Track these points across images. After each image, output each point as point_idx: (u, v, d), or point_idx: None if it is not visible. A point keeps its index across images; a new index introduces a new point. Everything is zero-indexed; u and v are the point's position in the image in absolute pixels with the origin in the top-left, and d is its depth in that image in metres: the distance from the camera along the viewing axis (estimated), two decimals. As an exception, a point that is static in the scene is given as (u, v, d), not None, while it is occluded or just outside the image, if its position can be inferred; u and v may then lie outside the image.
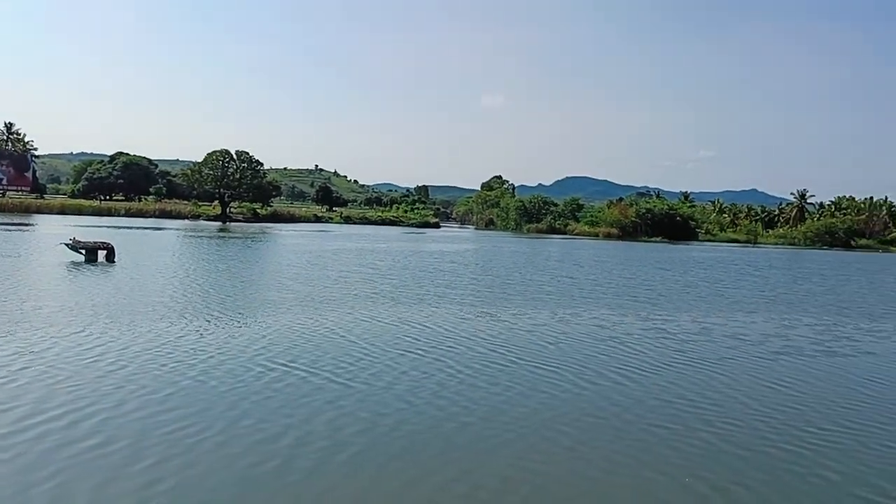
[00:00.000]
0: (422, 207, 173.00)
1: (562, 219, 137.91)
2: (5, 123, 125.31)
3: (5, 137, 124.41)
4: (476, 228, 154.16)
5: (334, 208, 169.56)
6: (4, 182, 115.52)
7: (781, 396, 12.85)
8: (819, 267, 61.84)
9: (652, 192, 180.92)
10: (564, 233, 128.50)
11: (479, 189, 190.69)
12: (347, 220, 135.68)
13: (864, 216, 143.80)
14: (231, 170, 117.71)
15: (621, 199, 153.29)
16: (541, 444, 9.54)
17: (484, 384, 12.53)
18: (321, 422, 9.92)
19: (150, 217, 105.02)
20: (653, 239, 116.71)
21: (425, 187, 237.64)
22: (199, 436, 9.06)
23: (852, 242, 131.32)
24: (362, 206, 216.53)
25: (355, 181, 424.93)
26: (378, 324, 18.66)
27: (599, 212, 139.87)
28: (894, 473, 9.09)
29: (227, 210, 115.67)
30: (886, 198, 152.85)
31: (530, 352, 15.82)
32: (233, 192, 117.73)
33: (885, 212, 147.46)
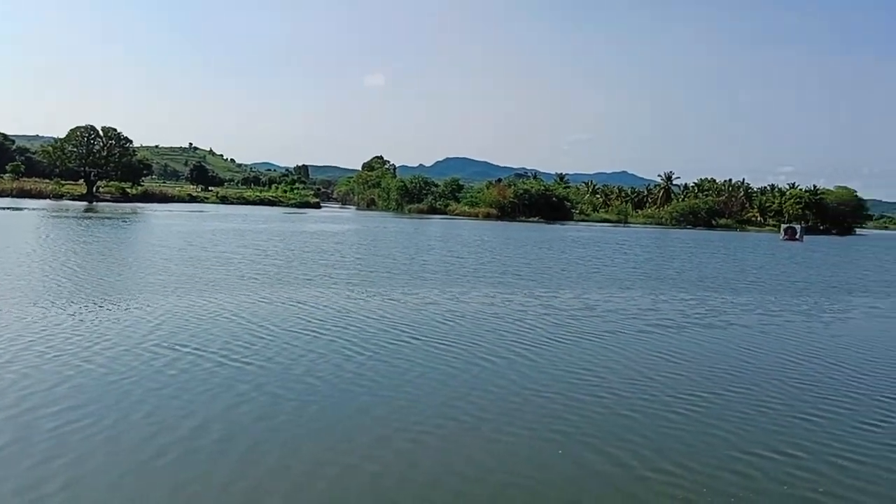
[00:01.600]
0: (302, 187, 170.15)
1: (442, 199, 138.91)
2: None
3: None
4: (357, 209, 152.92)
5: (210, 188, 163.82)
6: None
7: (666, 366, 13.58)
8: (685, 245, 65.48)
9: (529, 174, 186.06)
10: (445, 213, 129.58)
11: (359, 169, 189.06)
12: (224, 200, 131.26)
13: (723, 197, 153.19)
14: (97, 147, 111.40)
15: (500, 181, 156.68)
16: (447, 423, 9.63)
17: (384, 365, 12.53)
18: (219, 408, 9.62)
19: (7, 196, 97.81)
20: (530, 219, 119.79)
21: (305, 167, 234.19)
22: (89, 430, 8.52)
23: (713, 222, 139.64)
24: (239, 185, 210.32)
25: (232, 160, 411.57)
26: (268, 305, 18.25)
27: (479, 192, 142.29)
28: (771, 430, 9.81)
29: (94, 189, 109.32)
30: (744, 180, 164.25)
31: (425, 331, 15.93)
32: (99, 170, 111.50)
33: (742, 193, 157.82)
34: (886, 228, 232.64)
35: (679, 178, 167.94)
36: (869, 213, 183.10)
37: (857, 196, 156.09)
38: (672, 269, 36.85)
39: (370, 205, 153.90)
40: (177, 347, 12.86)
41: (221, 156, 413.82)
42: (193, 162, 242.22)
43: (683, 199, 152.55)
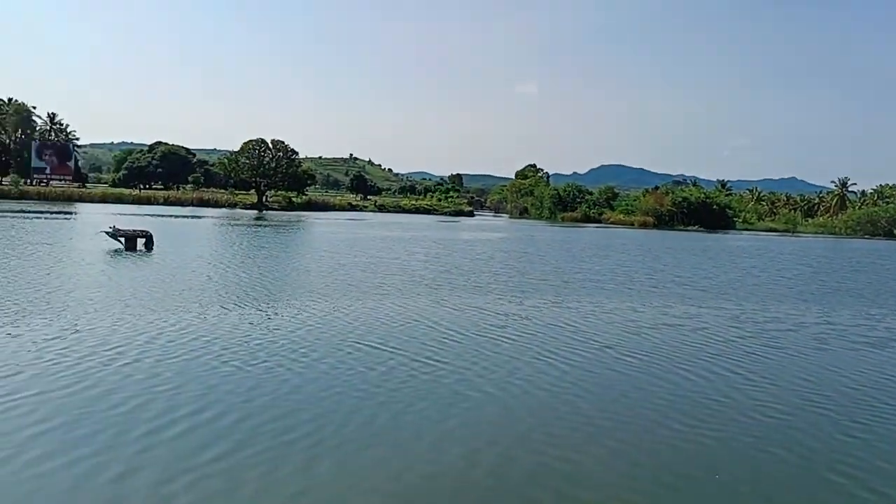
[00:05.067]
0: (455, 196, 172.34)
1: (596, 207, 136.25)
2: (49, 114, 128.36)
3: (49, 128, 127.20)
4: (510, 217, 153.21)
5: (368, 196, 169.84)
6: (48, 171, 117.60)
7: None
8: (869, 257, 60.53)
9: (688, 181, 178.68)
10: (599, 221, 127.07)
11: (513, 178, 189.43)
12: (381, 208, 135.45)
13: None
14: (267, 158, 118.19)
15: (657, 188, 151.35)
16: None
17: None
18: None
19: (188, 206, 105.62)
20: (689, 227, 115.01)
21: (459, 175, 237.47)
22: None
23: (895, 232, 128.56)
24: (396, 194, 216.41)
25: (389, 170, 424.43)
26: (462, 312, 18.67)
27: (635, 200, 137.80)
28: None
29: (264, 199, 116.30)
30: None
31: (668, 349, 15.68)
32: (268, 180, 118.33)
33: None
34: None
35: (856, 184, 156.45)
36: None
37: None
38: (863, 283, 34.19)
39: (523, 213, 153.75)
40: (381, 348, 13.46)
41: (380, 165, 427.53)
42: (353, 172, 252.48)
43: (861, 207, 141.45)
